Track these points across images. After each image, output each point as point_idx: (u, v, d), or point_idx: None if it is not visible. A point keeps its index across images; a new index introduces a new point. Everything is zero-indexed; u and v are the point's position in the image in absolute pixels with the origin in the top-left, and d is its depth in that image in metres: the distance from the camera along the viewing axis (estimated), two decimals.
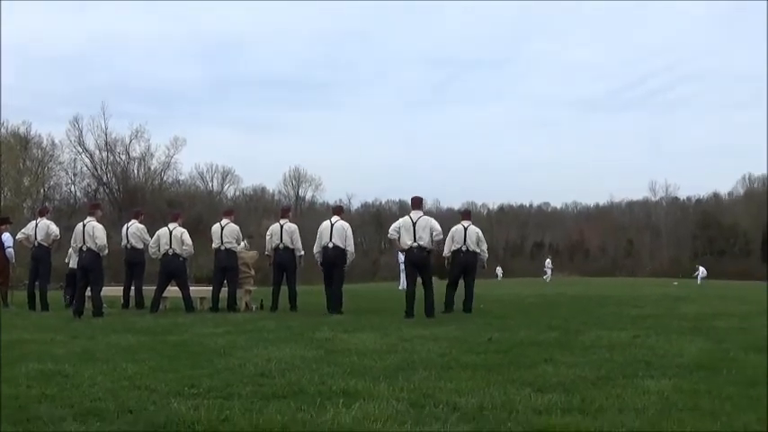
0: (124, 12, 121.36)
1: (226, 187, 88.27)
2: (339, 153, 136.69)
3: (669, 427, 4.42)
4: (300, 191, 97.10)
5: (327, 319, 12.36)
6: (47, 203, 47.84)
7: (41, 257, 15.10)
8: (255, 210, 75.50)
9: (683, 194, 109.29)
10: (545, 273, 58.86)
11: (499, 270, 69.61)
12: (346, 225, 14.28)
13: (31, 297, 15.22)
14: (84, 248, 13.47)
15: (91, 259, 13.49)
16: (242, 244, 15.51)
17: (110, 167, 66.66)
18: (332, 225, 14.04)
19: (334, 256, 14.01)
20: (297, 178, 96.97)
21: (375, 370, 6.54)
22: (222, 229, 14.99)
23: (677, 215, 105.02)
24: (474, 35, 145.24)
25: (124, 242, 15.93)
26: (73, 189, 68.36)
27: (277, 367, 6.63)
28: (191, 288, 15.40)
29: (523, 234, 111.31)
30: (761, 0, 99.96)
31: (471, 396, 5.30)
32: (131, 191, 63.84)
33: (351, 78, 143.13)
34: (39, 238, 14.98)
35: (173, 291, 15.13)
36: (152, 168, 69.49)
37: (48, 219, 15.52)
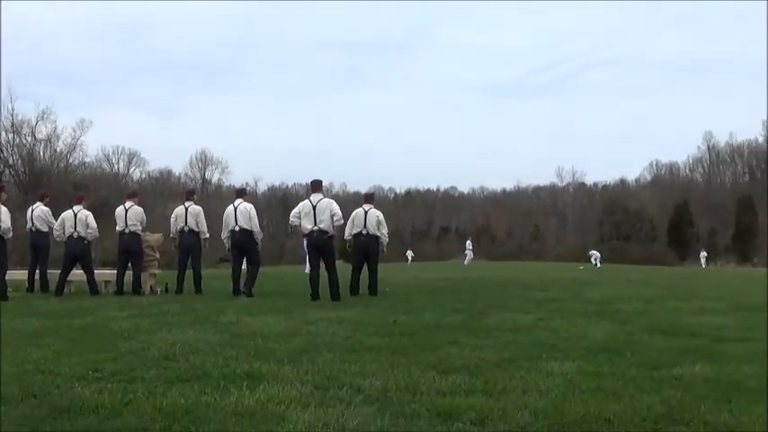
0: None
1: (132, 170, 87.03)
2: (246, 136, 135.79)
3: (573, 408, 4.48)
4: (207, 174, 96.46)
5: (232, 302, 12.35)
6: None
7: None
8: (161, 193, 74.28)
9: (590, 180, 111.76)
10: (465, 255, 56.99)
11: (410, 254, 69.81)
12: (250, 206, 14.24)
13: None
14: None
15: None
16: None
17: (15, 149, 64.61)
18: (235, 208, 14.00)
19: (242, 240, 14.01)
20: (203, 161, 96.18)
21: (279, 353, 6.55)
22: (126, 211, 14.81)
23: (584, 201, 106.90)
24: (384, 20, 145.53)
25: (29, 225, 15.53)
26: None
27: (181, 351, 6.61)
28: (95, 271, 15.13)
29: (430, 218, 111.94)
30: None
31: (375, 378, 5.36)
32: (37, 173, 61.81)
33: (260, 61, 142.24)
34: None
35: (77, 274, 14.84)
36: (58, 150, 67.57)
37: None
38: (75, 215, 14.54)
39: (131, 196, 15.58)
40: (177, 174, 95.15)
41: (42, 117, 65.11)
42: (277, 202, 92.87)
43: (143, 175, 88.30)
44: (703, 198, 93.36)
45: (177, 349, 6.71)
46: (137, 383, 5.19)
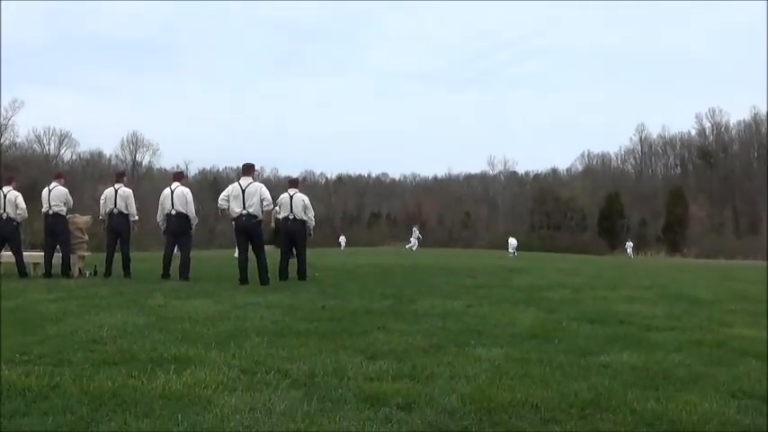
0: None
1: (62, 151, 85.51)
2: (178, 119, 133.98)
3: (500, 394, 4.52)
4: (138, 156, 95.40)
5: (160, 285, 12.32)
6: None
7: None
8: (92, 175, 73.11)
9: (521, 169, 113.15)
10: (409, 241, 56.78)
11: (342, 239, 69.92)
12: (186, 190, 14.26)
13: None
14: None
15: None
16: None
17: None
18: (172, 192, 13.99)
19: (177, 224, 14.00)
20: (134, 143, 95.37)
21: (207, 337, 6.57)
22: (50, 192, 14.66)
23: (515, 189, 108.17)
24: (323, 4, 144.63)
25: None
26: None
27: (109, 334, 6.60)
28: (24, 253, 14.95)
29: (361, 204, 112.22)
30: None
31: (303, 363, 5.40)
32: None
33: (194, 43, 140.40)
34: None
35: (6, 255, 14.71)
36: None
37: None
38: (5, 196, 14.37)
39: (57, 177, 15.42)
40: (108, 155, 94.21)
41: None
42: (208, 186, 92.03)
43: (74, 157, 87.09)
44: (634, 189, 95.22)
45: (105, 332, 6.70)
46: (64, 366, 5.18)
